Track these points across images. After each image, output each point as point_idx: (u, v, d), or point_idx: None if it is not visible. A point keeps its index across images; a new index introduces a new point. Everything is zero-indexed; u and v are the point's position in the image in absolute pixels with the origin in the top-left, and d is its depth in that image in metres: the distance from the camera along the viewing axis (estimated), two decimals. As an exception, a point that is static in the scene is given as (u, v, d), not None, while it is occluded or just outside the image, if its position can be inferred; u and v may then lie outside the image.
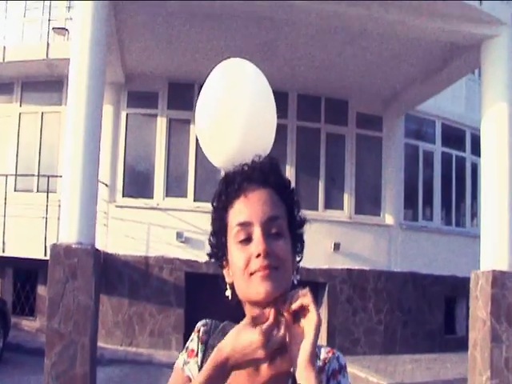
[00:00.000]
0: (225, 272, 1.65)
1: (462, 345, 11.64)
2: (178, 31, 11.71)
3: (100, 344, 10.27)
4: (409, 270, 14.83)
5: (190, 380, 1.63)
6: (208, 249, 1.70)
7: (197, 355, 1.66)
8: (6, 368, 10.91)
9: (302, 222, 1.69)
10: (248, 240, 1.56)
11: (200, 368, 1.63)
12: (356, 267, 14.40)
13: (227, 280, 1.64)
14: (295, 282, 1.62)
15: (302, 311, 1.49)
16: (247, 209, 1.59)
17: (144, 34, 11.89)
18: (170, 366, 1.76)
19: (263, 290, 1.51)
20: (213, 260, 1.69)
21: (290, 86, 14.31)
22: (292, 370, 1.54)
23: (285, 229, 1.60)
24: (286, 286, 1.55)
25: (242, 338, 1.48)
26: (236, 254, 1.57)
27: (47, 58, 13.71)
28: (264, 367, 1.59)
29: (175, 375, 1.67)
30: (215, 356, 1.49)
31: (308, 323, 1.47)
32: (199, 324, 1.71)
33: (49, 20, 14.43)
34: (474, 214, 16.61)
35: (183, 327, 13.22)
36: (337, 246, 14.26)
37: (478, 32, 9.84)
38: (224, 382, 1.53)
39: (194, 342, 1.69)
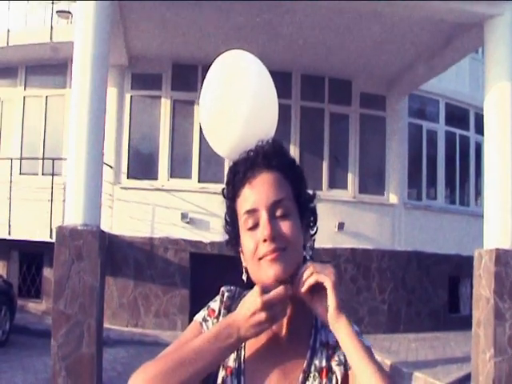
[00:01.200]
0: (242, 257, 1.71)
1: (465, 323, 11.65)
2: (181, 13, 11.67)
3: (106, 325, 10.33)
4: (413, 249, 14.88)
5: None
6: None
7: (217, 317, 1.69)
8: (13, 350, 11.02)
9: (312, 196, 1.78)
10: (256, 226, 1.62)
11: None
12: (360, 246, 14.45)
13: (244, 265, 1.69)
14: (307, 257, 1.70)
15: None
16: (252, 196, 1.63)
17: (147, 16, 11.85)
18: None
19: (272, 273, 1.57)
20: (230, 246, 1.75)
21: (294, 66, 14.31)
22: (312, 341, 1.66)
23: (292, 208, 1.66)
24: (295, 265, 1.61)
25: (246, 301, 1.56)
26: (246, 240, 1.63)
27: (51, 41, 13.71)
28: (283, 341, 1.66)
29: (192, 327, 1.70)
30: (226, 318, 1.59)
31: (327, 287, 1.55)
32: (224, 288, 1.75)
33: (52, 3, 14.36)
34: (478, 193, 16.60)
35: (188, 307, 13.30)
36: (341, 226, 14.29)
37: (481, 10, 9.76)
38: (232, 350, 1.60)
39: (216, 303, 1.73)
